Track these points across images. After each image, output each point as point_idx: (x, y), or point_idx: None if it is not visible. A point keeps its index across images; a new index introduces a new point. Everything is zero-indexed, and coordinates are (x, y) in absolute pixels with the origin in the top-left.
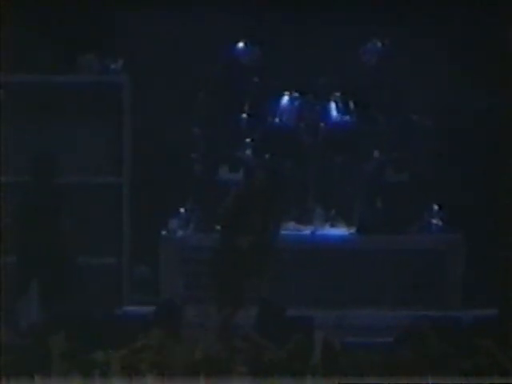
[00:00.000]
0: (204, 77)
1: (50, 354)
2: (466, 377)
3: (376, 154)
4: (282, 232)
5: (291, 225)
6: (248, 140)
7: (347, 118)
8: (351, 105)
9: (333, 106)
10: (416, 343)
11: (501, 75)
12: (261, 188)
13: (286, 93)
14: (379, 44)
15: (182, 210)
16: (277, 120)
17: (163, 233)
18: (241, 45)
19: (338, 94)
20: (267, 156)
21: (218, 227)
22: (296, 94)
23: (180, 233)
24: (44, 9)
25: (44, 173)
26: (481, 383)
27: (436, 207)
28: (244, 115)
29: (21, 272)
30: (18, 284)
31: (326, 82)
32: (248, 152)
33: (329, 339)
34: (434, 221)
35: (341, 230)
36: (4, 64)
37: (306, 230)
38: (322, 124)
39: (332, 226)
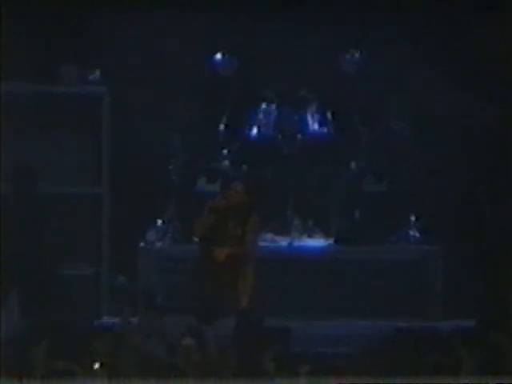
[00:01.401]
0: (182, 88)
1: (31, 365)
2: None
3: (353, 164)
4: (260, 243)
5: (269, 236)
6: (226, 151)
7: (325, 128)
8: (329, 115)
9: (310, 116)
10: (393, 353)
11: (481, 85)
12: (237, 199)
13: (264, 104)
14: (357, 54)
15: (159, 221)
16: (254, 131)
17: (141, 244)
18: (218, 56)
19: (315, 104)
20: (245, 167)
21: (196, 239)
22: (273, 105)
23: (158, 244)
24: (23, 20)
25: (23, 183)
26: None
27: (413, 218)
28: (222, 126)
29: (1, 282)
30: None
31: (303, 92)
32: (226, 163)
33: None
34: (411, 232)
35: (318, 241)
36: None
37: (284, 242)
38: (299, 135)
39: (310, 236)
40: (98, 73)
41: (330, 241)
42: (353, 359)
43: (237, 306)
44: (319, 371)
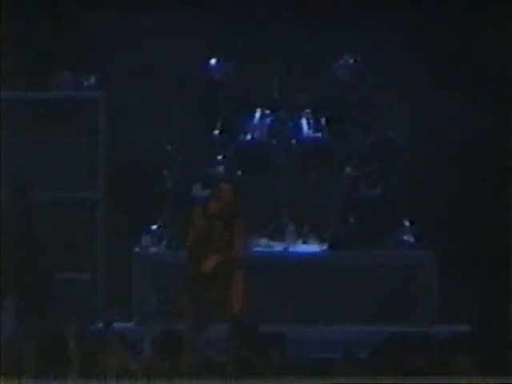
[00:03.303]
0: (177, 93)
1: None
2: None
3: (348, 170)
4: (254, 249)
5: (263, 241)
6: (220, 157)
7: (319, 134)
8: (323, 121)
9: (304, 122)
10: (387, 358)
11: (477, 91)
12: (226, 199)
13: (258, 110)
14: (352, 60)
15: (154, 226)
16: (249, 137)
17: (136, 249)
18: (213, 61)
19: (309, 110)
20: (239, 173)
21: (188, 245)
22: (268, 111)
23: (153, 249)
24: (18, 26)
25: (18, 188)
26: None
27: (408, 223)
28: (216, 132)
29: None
30: None
31: (297, 98)
32: (221, 169)
33: None
34: (406, 237)
35: (313, 247)
36: None
37: (279, 247)
38: (293, 140)
39: (304, 242)
40: (93, 78)
41: (325, 246)
42: (348, 364)
43: (230, 311)
44: (314, 376)
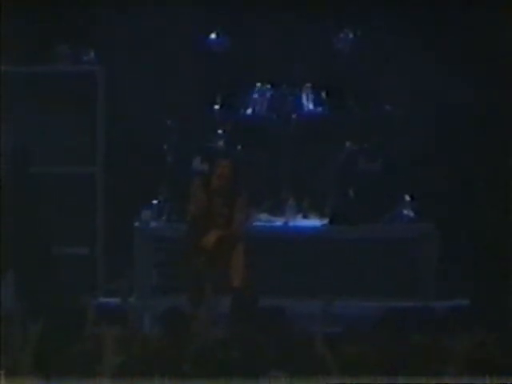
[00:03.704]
0: (177, 67)
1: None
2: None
3: (348, 144)
4: (255, 223)
5: (264, 216)
6: (220, 131)
7: (319, 108)
8: (323, 95)
9: (305, 96)
10: (389, 333)
11: (477, 64)
12: (226, 175)
13: (258, 84)
14: (352, 34)
15: (155, 201)
16: (249, 111)
17: (136, 224)
18: (213, 35)
19: (309, 84)
20: (239, 147)
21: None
22: (268, 85)
23: (153, 224)
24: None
25: (18, 162)
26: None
27: (408, 198)
28: (216, 106)
29: None
30: None
31: (298, 72)
32: (221, 143)
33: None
34: (406, 211)
35: (313, 221)
36: None
37: (279, 222)
38: (294, 114)
39: (304, 216)
40: (92, 52)
41: (325, 221)
42: (347, 338)
43: (230, 285)
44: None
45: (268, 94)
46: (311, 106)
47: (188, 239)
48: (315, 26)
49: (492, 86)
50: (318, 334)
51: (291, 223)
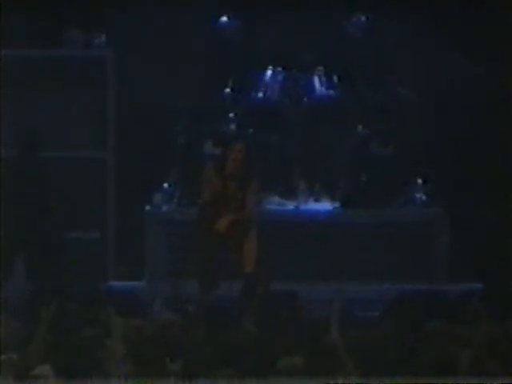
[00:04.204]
0: (188, 51)
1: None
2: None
3: (360, 128)
4: (267, 206)
5: (275, 199)
6: (232, 114)
7: (331, 91)
8: (335, 79)
9: (316, 80)
10: (402, 317)
11: (492, 49)
12: (240, 159)
13: (270, 67)
14: (363, 18)
15: (166, 184)
16: (260, 95)
17: (147, 207)
18: (224, 18)
19: (321, 68)
20: (251, 130)
21: (201, 202)
22: (279, 69)
23: (164, 207)
24: None
25: (29, 147)
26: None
27: (420, 181)
28: (228, 90)
29: (7, 246)
30: (4, 258)
31: (309, 56)
32: (232, 126)
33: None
34: (418, 195)
35: (325, 205)
36: None
37: (291, 205)
38: (305, 98)
39: (316, 200)
40: (103, 36)
41: (337, 204)
42: (360, 322)
43: (242, 270)
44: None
45: (280, 78)
46: (323, 90)
47: (200, 223)
48: (327, 10)
49: (508, 71)
50: (331, 318)
51: (303, 207)
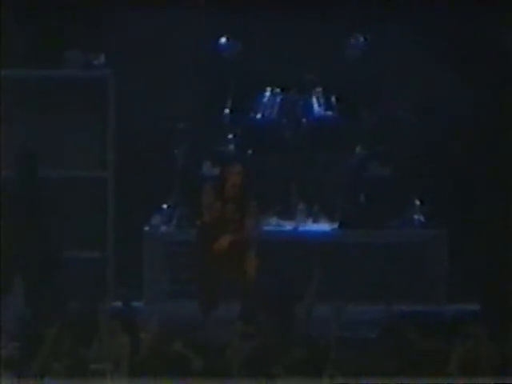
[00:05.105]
0: (187, 72)
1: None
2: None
3: (358, 148)
4: (264, 227)
5: (273, 220)
6: (231, 135)
7: (329, 113)
8: (333, 100)
9: (315, 101)
10: (398, 339)
11: (484, 72)
12: (238, 182)
13: (269, 88)
14: (362, 39)
15: (165, 205)
16: (259, 115)
17: (146, 228)
18: (223, 40)
19: (320, 89)
20: (250, 151)
21: (199, 224)
22: (278, 90)
23: (163, 228)
24: (28, 5)
25: (28, 167)
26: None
27: (418, 202)
28: (226, 110)
29: (5, 267)
30: (3, 279)
31: (308, 77)
32: (231, 147)
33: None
34: (416, 216)
35: (323, 226)
36: None
37: (289, 226)
38: (304, 119)
39: (314, 221)
40: (102, 57)
41: (335, 225)
42: (357, 342)
43: (241, 290)
44: (322, 356)
45: (278, 99)
46: (321, 111)
47: (200, 244)
48: (326, 31)
49: (503, 91)
50: (329, 338)
51: (301, 227)
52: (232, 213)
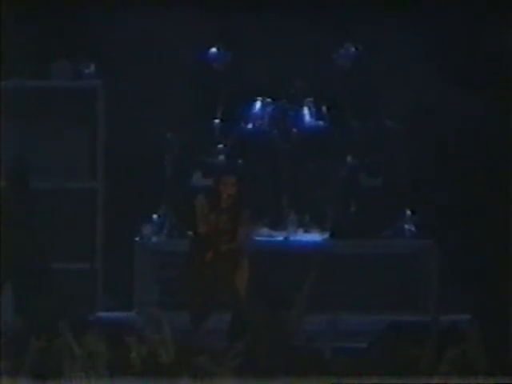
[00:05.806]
0: (177, 82)
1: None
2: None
3: (349, 158)
4: (255, 238)
5: (265, 231)
6: (221, 145)
7: (320, 123)
8: (324, 110)
9: (306, 111)
10: (389, 349)
11: (479, 79)
12: (230, 192)
13: (259, 98)
14: (353, 49)
15: (155, 215)
16: (250, 125)
17: (137, 239)
18: (213, 50)
19: (310, 99)
20: (240, 161)
21: (191, 234)
22: (269, 99)
23: (153, 238)
24: (18, 14)
25: (18, 177)
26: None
27: (409, 212)
28: (217, 121)
29: None
30: None
31: (298, 87)
32: (221, 157)
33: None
34: (407, 226)
35: (314, 236)
36: None
37: (280, 236)
38: (294, 129)
39: (306, 231)
40: (92, 67)
41: (326, 235)
42: (348, 353)
43: (232, 301)
44: (314, 366)
45: (269, 109)
46: (312, 121)
47: (192, 255)
48: (316, 41)
49: (494, 99)
50: (322, 349)
51: (292, 238)
52: (226, 223)
